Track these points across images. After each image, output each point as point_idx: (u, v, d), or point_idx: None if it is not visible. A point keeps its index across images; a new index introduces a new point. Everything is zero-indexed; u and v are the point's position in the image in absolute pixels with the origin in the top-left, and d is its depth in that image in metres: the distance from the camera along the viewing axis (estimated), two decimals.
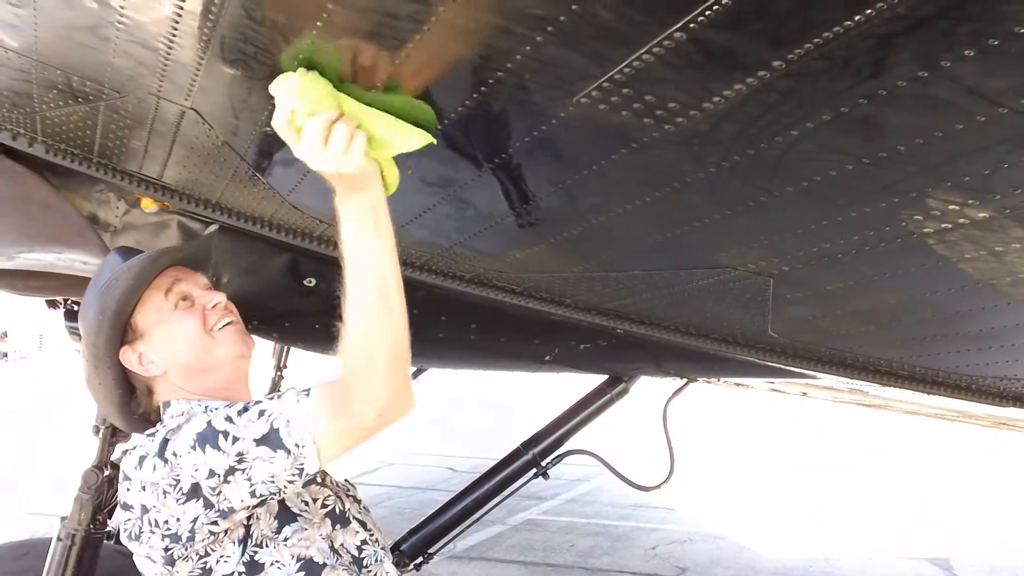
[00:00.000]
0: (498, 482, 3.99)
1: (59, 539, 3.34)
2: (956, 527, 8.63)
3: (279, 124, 1.49)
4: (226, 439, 1.66)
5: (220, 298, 1.99)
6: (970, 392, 2.72)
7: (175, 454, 1.68)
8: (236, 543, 1.74)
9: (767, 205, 1.65)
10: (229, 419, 1.68)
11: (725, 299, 2.29)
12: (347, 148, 1.47)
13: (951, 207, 1.47)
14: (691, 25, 1.12)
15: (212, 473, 1.65)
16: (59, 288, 3.75)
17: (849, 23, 1.05)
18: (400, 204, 2.20)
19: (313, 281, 3.00)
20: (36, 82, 2.07)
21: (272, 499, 1.75)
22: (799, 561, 7.51)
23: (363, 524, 1.95)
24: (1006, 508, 9.50)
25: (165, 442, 1.71)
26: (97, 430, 3.67)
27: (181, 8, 1.48)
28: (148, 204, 2.94)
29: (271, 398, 1.72)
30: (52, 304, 4.83)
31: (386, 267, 1.62)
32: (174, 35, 1.59)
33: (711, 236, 1.90)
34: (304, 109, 1.43)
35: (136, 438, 1.87)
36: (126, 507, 1.75)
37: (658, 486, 4.09)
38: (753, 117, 1.34)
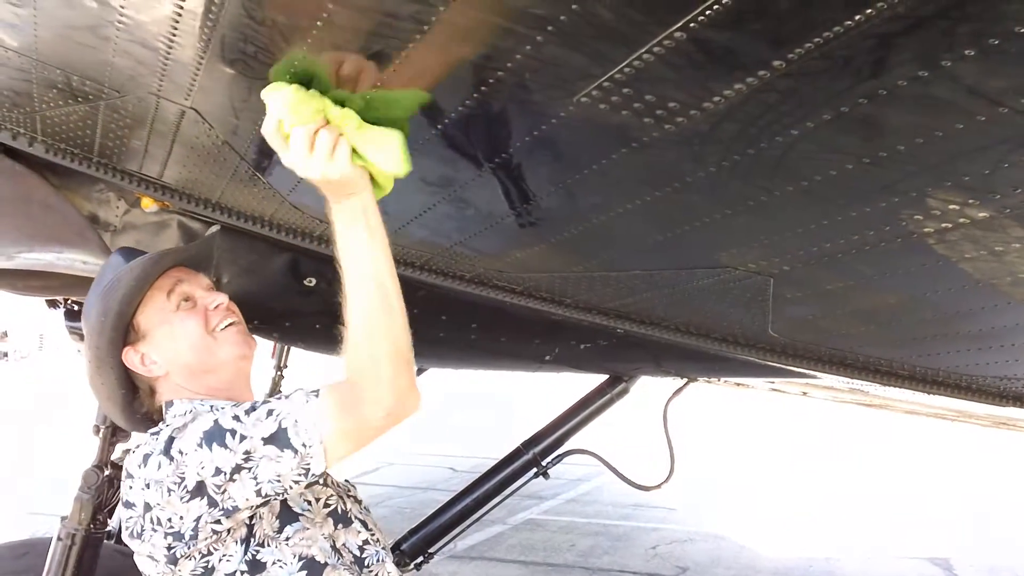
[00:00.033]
0: (498, 482, 3.99)
1: (59, 539, 3.34)
2: (956, 527, 8.63)
3: (268, 131, 1.54)
4: (233, 437, 1.66)
5: (222, 299, 1.99)
6: (970, 392, 2.72)
7: (181, 452, 1.68)
8: (239, 542, 1.74)
9: (767, 205, 1.65)
10: (237, 418, 1.69)
11: (725, 299, 2.29)
12: (331, 154, 1.51)
13: (951, 207, 1.47)
14: (691, 25, 1.11)
15: (218, 471, 1.65)
16: (59, 288, 3.74)
17: (849, 23, 1.05)
18: (400, 204, 2.21)
19: (313, 281, 3.00)
20: (36, 81, 2.07)
21: (276, 499, 1.75)
22: (799, 561, 7.51)
23: (364, 524, 1.96)
24: (1006, 508, 9.50)
25: (171, 440, 1.71)
26: (97, 430, 3.67)
27: (181, 8, 1.48)
28: (148, 204, 2.94)
29: (279, 398, 1.73)
30: (52, 304, 4.82)
31: (382, 267, 1.65)
32: (174, 34, 1.59)
33: (711, 236, 1.90)
34: (292, 121, 1.47)
35: (139, 437, 1.87)
36: (128, 505, 1.75)
37: (658, 486, 4.08)
38: (753, 117, 1.34)
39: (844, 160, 1.41)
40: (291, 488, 1.70)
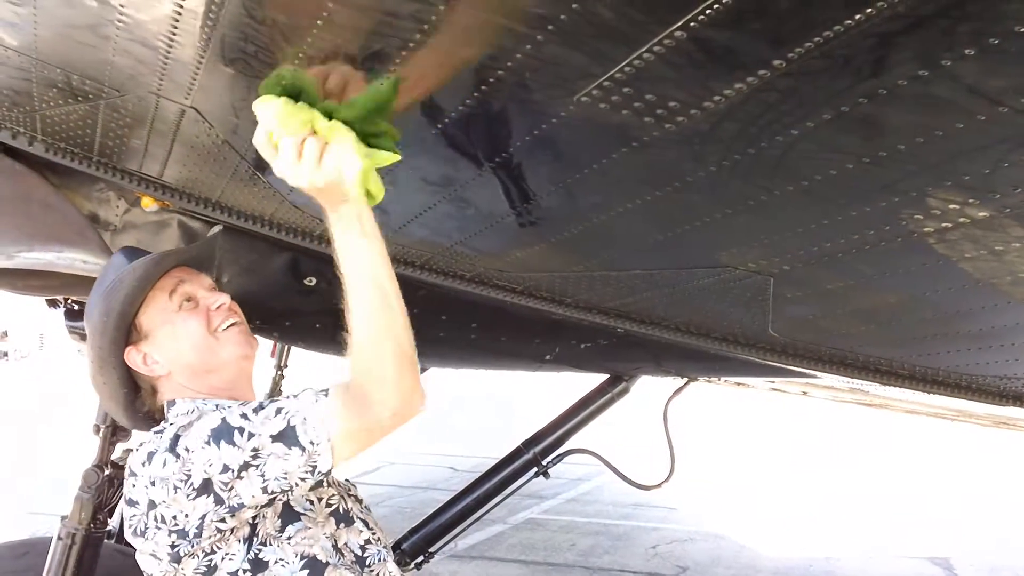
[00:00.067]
0: (499, 481, 3.99)
1: (59, 538, 3.34)
2: (956, 526, 8.63)
3: (259, 142, 1.57)
4: (241, 435, 1.67)
5: (224, 299, 2.00)
6: (970, 391, 2.72)
7: (187, 449, 1.69)
8: (241, 541, 1.75)
9: (767, 204, 1.65)
10: (245, 416, 1.70)
11: (726, 298, 2.29)
12: (318, 161, 1.54)
13: (951, 206, 1.47)
14: (691, 24, 1.11)
15: (226, 468, 1.66)
16: (59, 287, 3.74)
17: (849, 22, 1.05)
18: (401, 203, 2.21)
19: (313, 280, 3.00)
20: (36, 80, 2.07)
21: (282, 497, 1.76)
22: (800, 560, 7.51)
23: (366, 523, 1.96)
24: (1006, 507, 9.50)
25: (176, 438, 1.72)
26: (97, 429, 3.67)
27: (181, 6, 1.48)
28: (148, 203, 2.94)
29: (288, 397, 1.74)
30: (52, 303, 4.81)
31: (380, 270, 1.67)
32: (174, 33, 1.59)
33: (712, 235, 1.90)
34: (281, 132, 1.52)
35: (141, 435, 1.87)
36: (132, 503, 1.76)
37: (659, 485, 4.08)
38: (753, 116, 1.34)
39: (844, 160, 1.41)
40: (297, 485, 1.70)
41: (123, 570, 3.64)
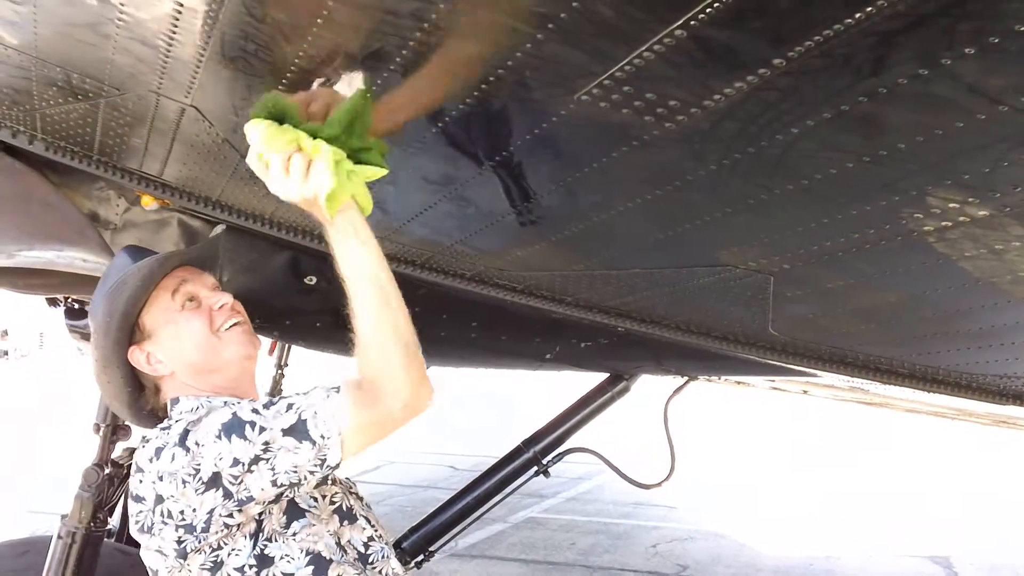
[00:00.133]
0: (499, 480, 3.99)
1: (59, 537, 3.34)
2: (956, 525, 8.62)
3: (251, 161, 1.66)
4: (253, 429, 1.70)
5: (227, 299, 2.00)
6: (970, 390, 2.71)
7: (197, 443, 1.71)
8: (247, 537, 1.77)
9: (768, 203, 1.65)
10: (255, 411, 1.73)
11: (726, 297, 2.29)
12: (305, 175, 1.62)
13: (951, 205, 1.47)
14: (692, 23, 1.11)
15: (236, 462, 1.68)
16: (59, 286, 3.74)
17: (850, 21, 1.05)
18: (402, 202, 2.21)
19: (314, 279, 3.00)
20: (36, 79, 2.07)
21: (290, 492, 1.78)
22: (800, 559, 7.51)
23: (368, 521, 1.98)
24: (1006, 506, 9.50)
25: (186, 432, 1.74)
26: (97, 428, 3.67)
27: (181, 5, 1.48)
28: (148, 202, 2.94)
29: (299, 394, 1.78)
30: (52, 302, 4.82)
31: (378, 270, 1.73)
32: (174, 32, 1.59)
33: (712, 234, 1.90)
34: (268, 152, 1.61)
35: (147, 433, 1.88)
36: (138, 499, 1.77)
37: (659, 484, 4.08)
38: (754, 115, 1.34)
39: (844, 159, 1.41)
40: (305, 479, 1.73)
41: (123, 569, 3.65)
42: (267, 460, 1.69)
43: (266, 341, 5.30)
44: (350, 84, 1.62)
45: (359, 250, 1.72)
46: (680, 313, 2.66)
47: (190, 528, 1.71)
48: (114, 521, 4.01)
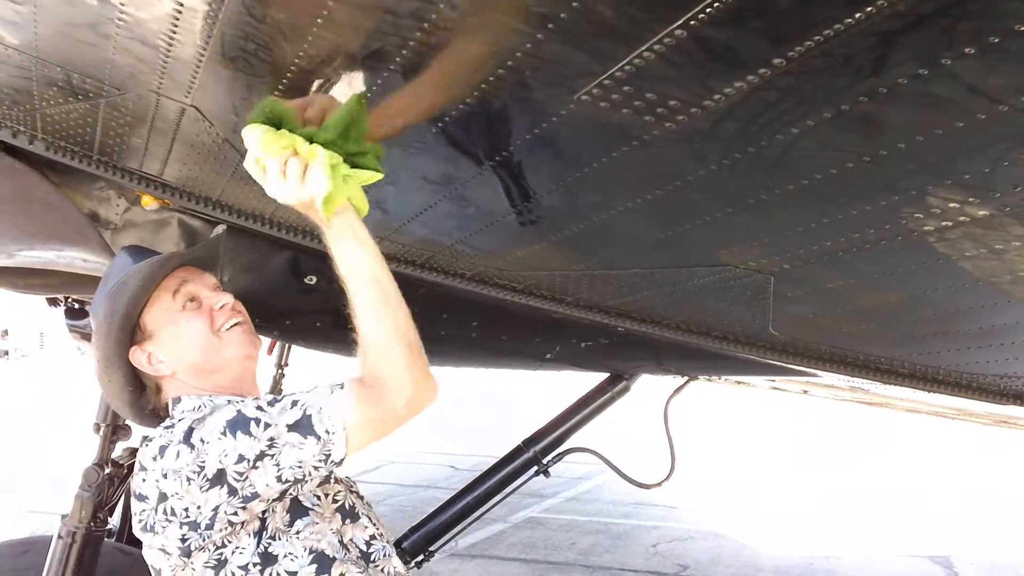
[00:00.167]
0: (499, 480, 3.99)
1: (60, 537, 3.34)
2: (957, 525, 8.62)
3: (249, 165, 1.68)
4: (258, 425, 1.71)
5: (227, 299, 2.01)
6: (970, 390, 2.71)
7: (202, 441, 1.72)
8: (251, 535, 1.77)
9: (768, 203, 1.65)
10: (260, 408, 1.75)
11: (726, 297, 2.29)
12: (301, 179, 1.63)
13: (951, 205, 1.47)
14: (692, 22, 1.11)
15: (241, 458, 1.69)
16: (60, 286, 3.75)
17: (850, 21, 1.05)
18: (402, 202, 2.21)
19: (314, 279, 3.00)
20: (36, 79, 2.07)
21: (293, 490, 1.79)
22: (800, 559, 7.51)
23: (370, 519, 1.99)
24: (1007, 506, 9.50)
25: (191, 430, 1.75)
26: (98, 428, 3.68)
27: (181, 5, 1.48)
28: (148, 202, 2.93)
29: (303, 390, 1.80)
30: (53, 302, 4.82)
31: (378, 270, 1.76)
32: (174, 32, 1.59)
33: (712, 234, 1.90)
34: (265, 156, 1.63)
35: (148, 432, 1.89)
36: (141, 498, 1.78)
37: (659, 484, 4.08)
38: (754, 115, 1.34)
39: (844, 158, 1.41)
40: (310, 475, 1.74)
41: (123, 568, 3.65)
42: (272, 456, 1.70)
43: (265, 340, 5.30)
44: (347, 87, 1.63)
45: (358, 251, 1.74)
46: (680, 313, 2.66)
47: (194, 525, 1.72)
48: (114, 521, 4.01)
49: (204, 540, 1.73)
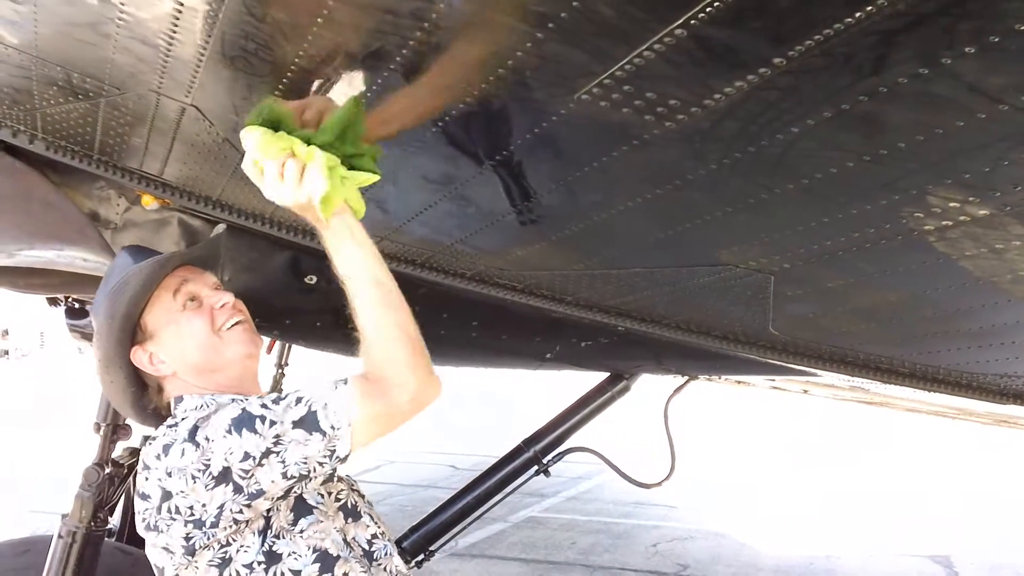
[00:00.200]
0: (499, 479, 3.98)
1: (60, 536, 3.35)
2: (957, 525, 8.62)
3: (247, 167, 1.68)
4: (263, 423, 1.72)
5: (228, 298, 2.01)
6: (971, 389, 2.71)
7: (207, 439, 1.72)
8: (256, 533, 1.77)
9: (768, 202, 1.65)
10: (265, 405, 1.75)
11: (726, 296, 2.29)
12: (299, 180, 1.64)
13: (952, 204, 1.47)
14: (692, 22, 1.11)
15: (247, 456, 1.70)
16: (60, 285, 3.75)
17: (850, 20, 1.05)
18: (402, 202, 2.21)
19: (314, 279, 3.00)
20: (36, 79, 2.07)
21: (298, 488, 1.80)
22: (800, 559, 7.51)
23: (372, 518, 1.99)
24: (1007, 506, 9.50)
25: (195, 428, 1.75)
26: (98, 428, 3.68)
27: (182, 5, 1.48)
28: (149, 201, 2.93)
29: (308, 387, 1.80)
30: (53, 301, 4.82)
31: (377, 270, 1.77)
32: (175, 31, 1.59)
33: (712, 233, 1.90)
34: (263, 158, 1.65)
35: (149, 431, 1.89)
36: (144, 497, 1.78)
37: (659, 483, 4.07)
38: (754, 114, 1.34)
39: (845, 158, 1.41)
40: (315, 471, 1.74)
41: (124, 568, 3.65)
42: (277, 453, 1.70)
43: (263, 339, 5.29)
44: (347, 86, 1.63)
45: (356, 251, 1.76)
46: (680, 312, 2.66)
47: (199, 524, 1.72)
48: (114, 520, 4.02)
49: (209, 539, 1.73)
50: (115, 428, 3.68)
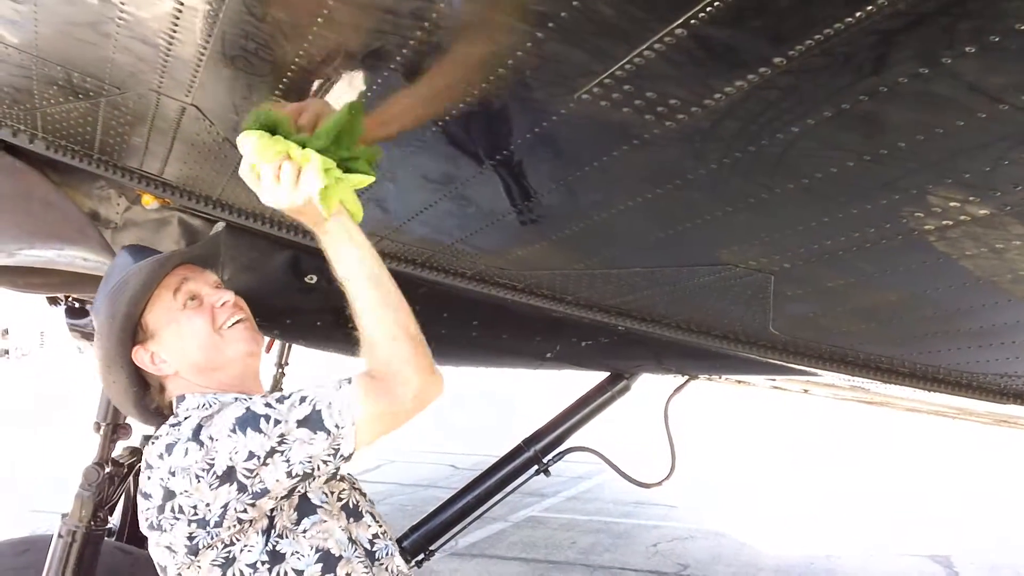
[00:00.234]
0: (499, 479, 3.98)
1: (60, 536, 3.34)
2: (957, 524, 8.63)
3: (244, 172, 1.70)
4: (268, 422, 1.72)
5: (228, 296, 2.00)
6: (971, 389, 2.71)
7: (212, 438, 1.72)
8: (260, 533, 1.78)
9: (768, 202, 1.65)
10: (269, 404, 1.75)
11: (726, 296, 2.29)
12: (294, 183, 1.65)
13: (952, 204, 1.47)
14: (692, 21, 1.11)
15: (251, 455, 1.70)
16: (60, 285, 3.75)
17: (850, 20, 1.05)
18: (402, 201, 2.21)
19: (314, 278, 2.99)
20: (36, 78, 2.07)
21: (302, 487, 1.80)
22: (800, 558, 7.51)
23: (373, 517, 1.99)
24: (1007, 505, 9.50)
25: (199, 427, 1.75)
26: (98, 427, 3.68)
27: (182, 4, 1.48)
28: (149, 201, 2.93)
29: (312, 387, 1.81)
30: (53, 301, 4.82)
31: (375, 270, 1.79)
32: (175, 31, 1.59)
33: (712, 233, 1.90)
34: (260, 162, 1.67)
35: (150, 431, 1.89)
36: (147, 496, 1.78)
37: (659, 483, 4.07)
38: (754, 114, 1.34)
39: (845, 157, 1.41)
40: (319, 469, 1.75)
41: (123, 567, 3.65)
42: (282, 453, 1.70)
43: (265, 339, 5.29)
44: (348, 85, 1.63)
45: (355, 253, 1.77)
46: (681, 312, 2.66)
47: (203, 523, 1.72)
48: (114, 520, 4.01)
49: (212, 538, 1.73)
50: (115, 427, 3.68)
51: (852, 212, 1.60)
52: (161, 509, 1.74)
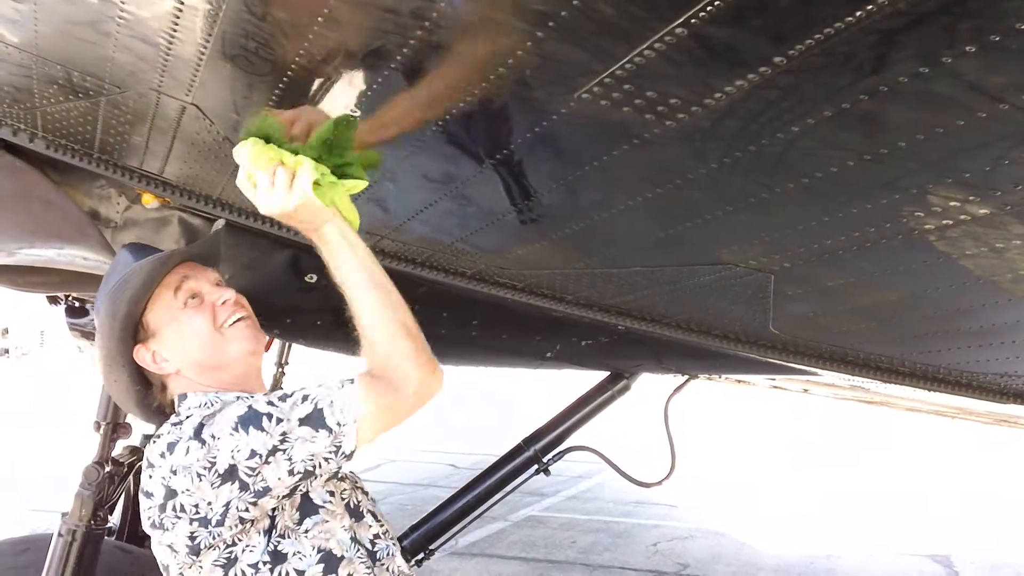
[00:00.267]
0: (499, 478, 3.99)
1: (60, 535, 3.35)
2: (957, 524, 8.63)
3: (241, 182, 1.75)
4: (270, 420, 1.72)
5: (229, 294, 2.00)
6: (971, 388, 2.71)
7: (213, 437, 1.72)
8: (262, 533, 1.77)
9: (768, 201, 1.65)
10: (271, 403, 1.76)
11: (726, 296, 2.29)
12: (289, 186, 1.71)
13: (952, 203, 1.47)
14: (692, 21, 1.11)
15: (253, 453, 1.70)
16: (60, 284, 3.75)
17: (851, 19, 1.05)
18: (402, 201, 2.21)
19: (314, 277, 2.99)
20: (37, 77, 2.07)
21: (303, 486, 1.80)
22: (800, 558, 7.51)
23: (374, 517, 1.98)
24: (1007, 505, 9.50)
25: (201, 426, 1.75)
26: (98, 426, 3.68)
27: (182, 3, 1.48)
28: (149, 200, 2.93)
29: (314, 385, 1.81)
30: (53, 300, 4.82)
31: (373, 271, 1.82)
32: (175, 30, 1.59)
33: (712, 232, 1.90)
34: (255, 169, 1.72)
35: (159, 428, 1.89)
36: (149, 495, 1.78)
37: (659, 483, 4.07)
38: (754, 113, 1.34)
39: (845, 157, 1.41)
40: (320, 467, 1.75)
41: (123, 566, 3.65)
42: (284, 451, 1.70)
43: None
44: (345, 88, 1.63)
45: (351, 256, 1.81)
46: (681, 311, 2.66)
47: (205, 522, 1.71)
48: (114, 519, 4.02)
49: (214, 538, 1.73)
50: (115, 427, 3.68)
51: (852, 212, 1.60)
52: (163, 508, 1.74)
